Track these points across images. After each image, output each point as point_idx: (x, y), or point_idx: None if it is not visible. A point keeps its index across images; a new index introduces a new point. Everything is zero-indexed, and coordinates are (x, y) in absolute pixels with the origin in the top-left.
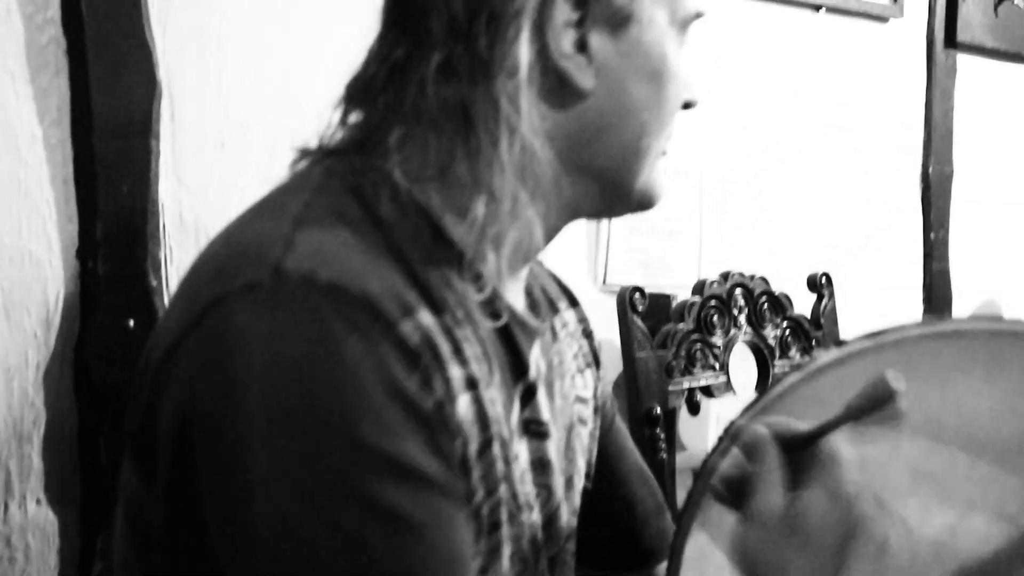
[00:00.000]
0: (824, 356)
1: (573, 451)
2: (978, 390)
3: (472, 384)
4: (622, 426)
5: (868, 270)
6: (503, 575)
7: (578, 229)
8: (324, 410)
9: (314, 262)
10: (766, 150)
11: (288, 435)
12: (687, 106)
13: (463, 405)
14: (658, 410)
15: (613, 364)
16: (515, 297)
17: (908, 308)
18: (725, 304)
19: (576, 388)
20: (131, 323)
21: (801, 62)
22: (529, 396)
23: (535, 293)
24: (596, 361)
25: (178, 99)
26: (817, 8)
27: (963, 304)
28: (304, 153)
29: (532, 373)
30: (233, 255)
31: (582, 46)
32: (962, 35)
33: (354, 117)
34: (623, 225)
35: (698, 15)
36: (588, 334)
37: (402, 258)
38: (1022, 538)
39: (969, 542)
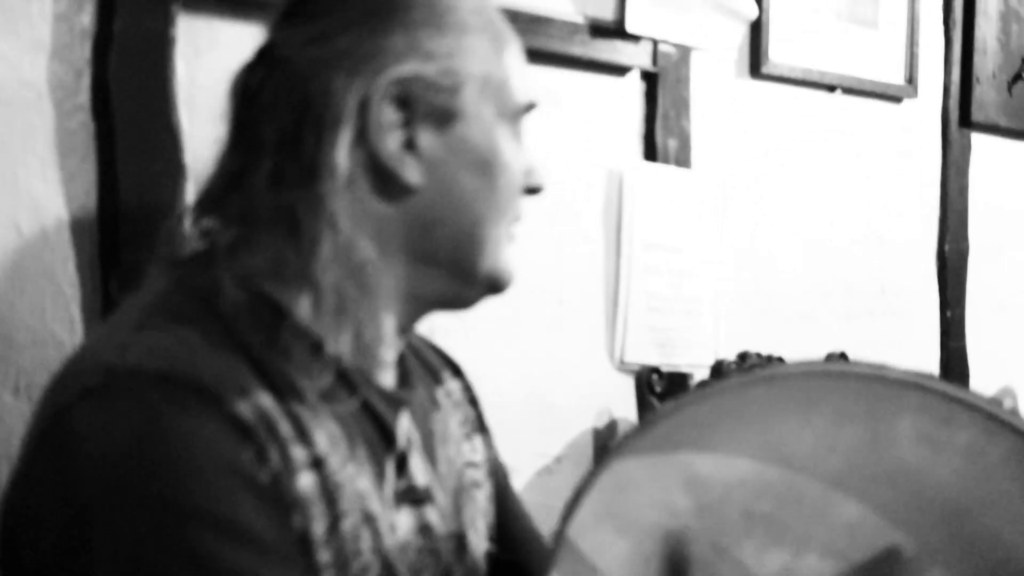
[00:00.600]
0: (660, 411)
1: (461, 513)
2: (797, 430)
3: (317, 463)
4: (514, 491)
5: (884, 348)
6: None
7: (595, 307)
8: (157, 487)
9: (143, 358)
10: (783, 229)
11: (125, 517)
12: (532, 191)
13: (305, 482)
14: None
15: None
16: (383, 376)
17: None
18: None
19: (464, 454)
20: None
21: (817, 142)
22: (402, 464)
23: (408, 364)
24: (483, 427)
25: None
26: (832, 89)
27: (980, 382)
28: (156, 266)
29: (401, 442)
30: (72, 368)
31: (410, 144)
32: (976, 115)
33: (203, 226)
34: (641, 303)
35: (529, 107)
36: (473, 401)
37: (244, 348)
38: (855, 572)
39: None
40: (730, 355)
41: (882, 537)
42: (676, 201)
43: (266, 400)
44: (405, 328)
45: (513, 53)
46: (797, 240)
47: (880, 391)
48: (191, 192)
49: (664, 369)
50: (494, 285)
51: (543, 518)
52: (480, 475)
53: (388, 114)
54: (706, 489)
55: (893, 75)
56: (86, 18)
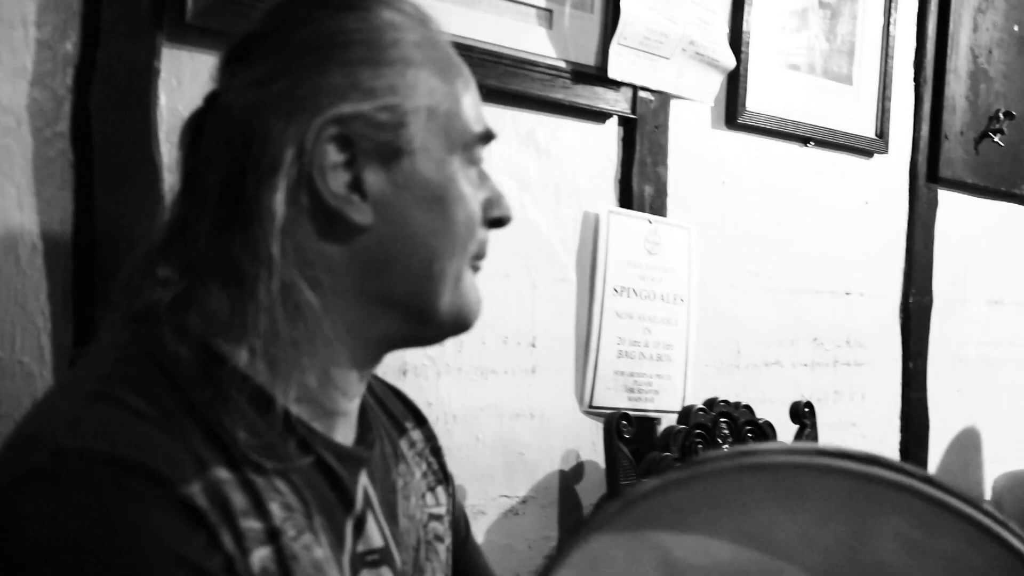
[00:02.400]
0: (644, 485)
1: (423, 571)
2: (779, 521)
3: (273, 535)
4: (475, 542)
5: (847, 397)
6: None
7: (567, 351)
8: None
9: (92, 438)
10: (753, 278)
11: None
12: (497, 223)
13: (260, 557)
14: None
15: (597, 487)
16: (342, 429)
17: (886, 436)
18: (710, 433)
19: (428, 507)
20: None
21: (788, 193)
22: (360, 526)
23: (369, 416)
24: (446, 477)
25: None
26: (806, 141)
27: (939, 431)
28: (113, 319)
29: (358, 504)
30: (20, 438)
31: (356, 184)
32: (944, 171)
33: (160, 275)
34: (611, 348)
35: (484, 136)
36: (436, 451)
37: (200, 418)
38: None
39: None
40: (698, 401)
41: None
42: (650, 247)
43: (221, 473)
44: (364, 371)
45: (463, 82)
46: (766, 289)
47: (868, 490)
48: None
49: (632, 414)
50: (458, 322)
51: (507, 558)
52: (442, 528)
53: (331, 155)
54: (681, 573)
55: (865, 129)
56: (69, 46)
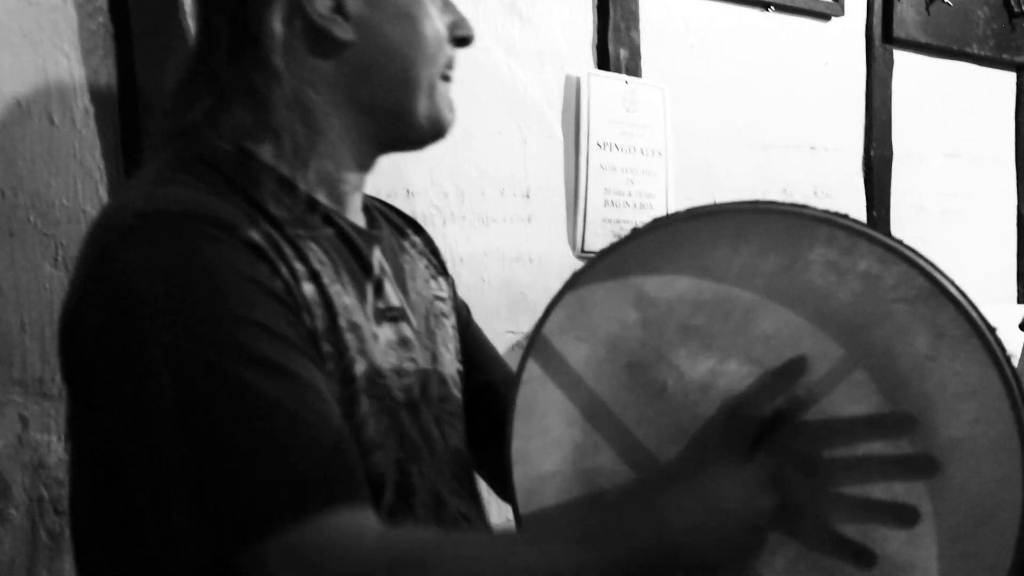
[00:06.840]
0: (617, 240)
1: (434, 335)
2: (728, 258)
3: (315, 276)
4: (476, 324)
5: None
6: (363, 418)
7: (558, 201)
8: (196, 298)
9: (167, 202)
10: (724, 134)
11: (176, 325)
12: (462, 42)
13: (308, 289)
14: None
15: None
16: (354, 214)
17: None
18: None
19: (432, 289)
20: None
21: (754, 56)
22: (379, 288)
23: (374, 214)
24: (445, 271)
25: None
26: (767, 7)
27: None
28: (155, 142)
29: (376, 270)
30: (109, 216)
31: (339, 7)
32: (898, 31)
33: (185, 102)
34: (598, 198)
35: None
36: (435, 252)
37: (243, 193)
38: (767, 375)
39: (727, 382)
40: None
41: (792, 347)
42: (628, 106)
43: (269, 228)
44: (363, 167)
45: None
46: (737, 144)
47: (797, 225)
48: None
49: None
50: (434, 127)
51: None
52: (447, 307)
53: None
54: (651, 305)
55: None
56: None
